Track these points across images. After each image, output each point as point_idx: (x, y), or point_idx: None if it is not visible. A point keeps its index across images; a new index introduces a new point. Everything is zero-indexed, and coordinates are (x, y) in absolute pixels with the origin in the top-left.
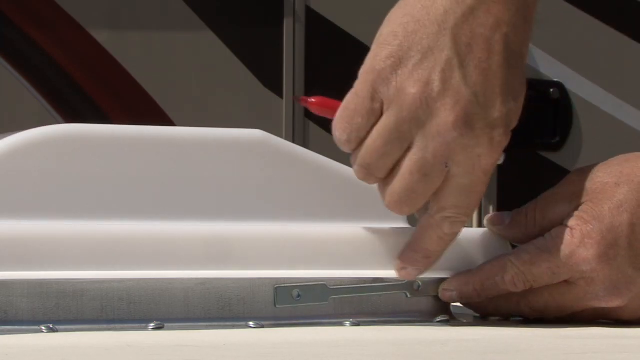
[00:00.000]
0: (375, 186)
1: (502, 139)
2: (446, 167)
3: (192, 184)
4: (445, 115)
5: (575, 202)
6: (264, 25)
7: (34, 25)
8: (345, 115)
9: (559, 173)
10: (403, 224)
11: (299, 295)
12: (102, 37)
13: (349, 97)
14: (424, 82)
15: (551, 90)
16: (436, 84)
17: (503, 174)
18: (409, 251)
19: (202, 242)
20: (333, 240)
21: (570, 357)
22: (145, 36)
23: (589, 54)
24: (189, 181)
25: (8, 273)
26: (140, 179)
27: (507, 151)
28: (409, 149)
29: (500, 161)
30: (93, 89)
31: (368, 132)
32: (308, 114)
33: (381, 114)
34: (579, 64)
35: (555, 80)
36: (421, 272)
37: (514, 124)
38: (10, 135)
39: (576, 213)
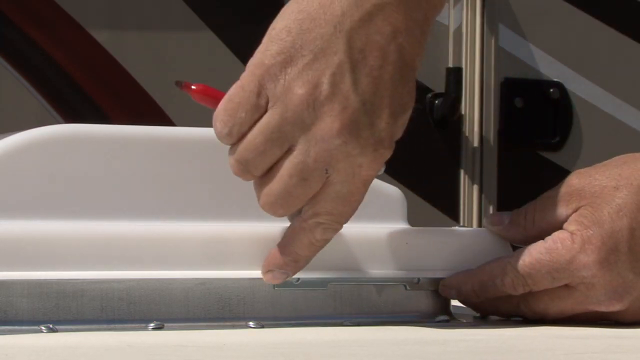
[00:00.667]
0: (373, 186)
1: (385, 151)
2: (326, 173)
3: (192, 184)
4: (330, 121)
5: (574, 205)
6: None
7: (34, 25)
8: (229, 107)
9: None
10: (403, 224)
11: (298, 280)
12: (102, 37)
13: (234, 89)
14: (313, 84)
15: (551, 90)
16: (325, 87)
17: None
18: (277, 254)
19: (202, 242)
20: (333, 240)
21: (570, 357)
22: (145, 36)
23: (589, 54)
24: (189, 181)
25: (8, 273)
26: (140, 179)
27: (388, 163)
28: (289, 150)
29: (381, 172)
30: (93, 89)
31: (250, 128)
32: None
33: (265, 111)
34: (579, 64)
35: (555, 80)
36: (288, 277)
37: (399, 136)
38: (10, 135)
39: (576, 217)
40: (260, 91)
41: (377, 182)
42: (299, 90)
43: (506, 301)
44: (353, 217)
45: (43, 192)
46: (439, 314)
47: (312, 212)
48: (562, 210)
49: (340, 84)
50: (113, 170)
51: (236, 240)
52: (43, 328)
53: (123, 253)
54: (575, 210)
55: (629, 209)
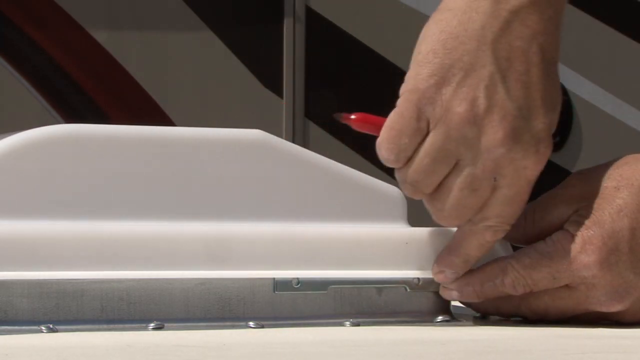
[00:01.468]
0: (373, 186)
1: (546, 150)
2: (494, 181)
3: (192, 184)
4: (493, 132)
5: (574, 205)
6: (264, 25)
7: (34, 25)
8: (391, 135)
9: (559, 173)
10: (403, 224)
11: (298, 282)
12: (102, 37)
13: (394, 117)
14: (470, 100)
15: None
16: (482, 101)
17: None
18: (448, 255)
19: (202, 242)
20: (333, 240)
21: (570, 357)
22: (145, 36)
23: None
24: (188, 181)
25: (8, 273)
26: (140, 179)
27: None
28: (456, 165)
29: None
30: (93, 89)
31: (414, 151)
32: (308, 114)
33: (427, 133)
34: (579, 64)
35: None
36: (457, 276)
37: (554, 130)
38: (10, 135)
39: (576, 218)
40: (420, 116)
41: (377, 182)
42: (458, 108)
43: (506, 301)
44: (353, 217)
45: (43, 192)
46: (439, 314)
47: (482, 217)
48: (562, 211)
49: (494, 95)
50: (113, 170)
51: (236, 240)
52: (43, 328)
53: (123, 253)
54: (576, 211)
55: (630, 210)
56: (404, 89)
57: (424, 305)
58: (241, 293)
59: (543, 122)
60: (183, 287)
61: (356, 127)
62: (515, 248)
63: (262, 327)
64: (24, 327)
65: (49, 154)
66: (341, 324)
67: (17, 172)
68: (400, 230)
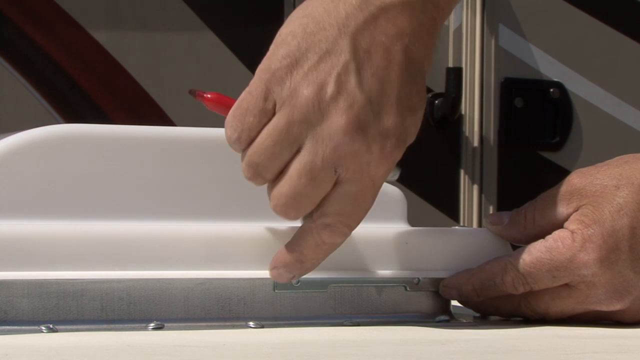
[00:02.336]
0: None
1: (393, 150)
2: (335, 172)
3: (192, 184)
4: (337, 119)
5: (575, 204)
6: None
7: (34, 25)
8: (238, 113)
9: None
10: (403, 224)
11: (298, 282)
12: (102, 37)
13: (243, 95)
14: (319, 85)
15: (551, 90)
16: (331, 87)
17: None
18: (284, 252)
19: (202, 242)
20: None
21: (570, 357)
22: (145, 36)
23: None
24: (188, 181)
25: (8, 273)
26: (140, 179)
27: (402, 166)
28: (298, 151)
29: (395, 177)
30: (93, 89)
31: (259, 132)
32: None
33: (273, 115)
34: (579, 64)
35: (555, 80)
36: (294, 278)
37: (411, 138)
38: (10, 135)
39: (576, 216)
40: (267, 95)
41: None
42: (305, 91)
43: (506, 301)
44: None
45: (43, 192)
46: (439, 314)
47: (321, 212)
48: (562, 209)
49: (346, 84)
50: (113, 170)
51: (236, 240)
52: (43, 328)
53: (123, 253)
54: (576, 210)
55: (630, 208)
56: (258, 69)
57: (424, 305)
58: (241, 293)
59: (394, 121)
60: (183, 287)
61: (210, 107)
62: (515, 248)
63: (262, 327)
64: (24, 327)
65: (49, 154)
66: (341, 324)
67: (17, 172)
68: (400, 230)
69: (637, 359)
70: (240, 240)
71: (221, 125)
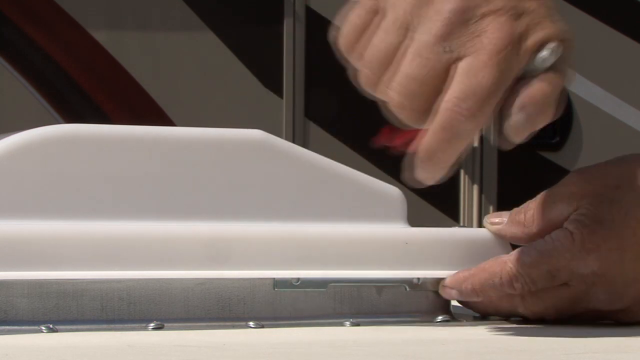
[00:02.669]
0: (373, 186)
1: (509, 21)
2: (445, 51)
3: (192, 184)
4: (446, 0)
5: (574, 203)
6: (264, 25)
7: (34, 25)
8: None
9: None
10: (403, 224)
11: (298, 280)
12: (102, 37)
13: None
14: None
15: None
16: None
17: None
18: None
19: (202, 242)
20: (333, 240)
21: (570, 357)
22: (145, 36)
23: (589, 54)
24: (188, 181)
25: (8, 273)
26: (140, 179)
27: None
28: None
29: (548, 56)
30: (93, 89)
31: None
32: (308, 114)
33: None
34: (579, 64)
35: None
36: (430, 178)
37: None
38: (10, 135)
39: (576, 216)
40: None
41: (377, 182)
42: None
43: (506, 301)
44: (353, 217)
45: (43, 192)
46: (439, 314)
47: (440, 98)
48: (562, 209)
49: None
50: (113, 170)
51: (236, 240)
52: (43, 328)
53: (123, 253)
54: (576, 209)
55: (630, 208)
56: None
57: (424, 305)
58: (241, 293)
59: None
60: (183, 287)
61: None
62: (514, 247)
63: (262, 327)
64: (24, 327)
65: (49, 154)
66: (341, 324)
67: (17, 172)
68: (400, 230)
69: (637, 359)
70: (240, 240)
71: (222, 125)
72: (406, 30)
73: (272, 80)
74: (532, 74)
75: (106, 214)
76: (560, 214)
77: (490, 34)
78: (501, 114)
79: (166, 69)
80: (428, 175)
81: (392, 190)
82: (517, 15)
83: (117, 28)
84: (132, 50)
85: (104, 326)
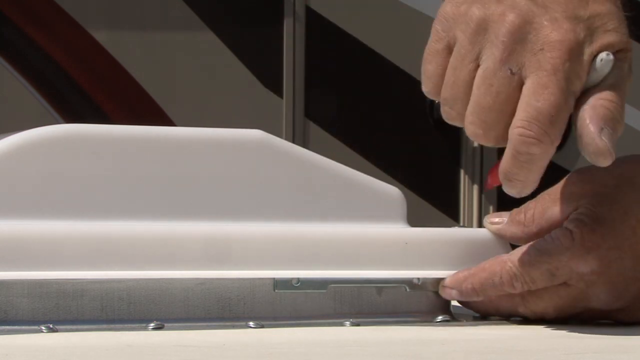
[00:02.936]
0: (373, 186)
1: (568, 32)
2: (511, 72)
3: (192, 184)
4: (501, 22)
5: (574, 203)
6: (264, 25)
7: (34, 25)
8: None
9: (559, 173)
10: (403, 224)
11: (298, 281)
12: (102, 37)
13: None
14: (485, 2)
15: None
16: (494, 1)
17: None
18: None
19: (202, 242)
20: (333, 240)
21: (570, 357)
22: (145, 36)
23: None
24: (188, 181)
25: (8, 273)
26: (140, 179)
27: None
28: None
29: (607, 60)
30: (93, 88)
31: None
32: (308, 114)
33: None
34: None
35: None
36: (518, 192)
37: (603, 25)
38: (10, 135)
39: (576, 216)
40: (441, 37)
41: (377, 182)
42: (474, 11)
43: (506, 300)
44: (353, 217)
45: (43, 192)
46: (439, 314)
47: (512, 121)
48: (562, 209)
49: None
50: (113, 170)
51: (236, 240)
52: (43, 328)
53: (123, 253)
54: (576, 209)
55: (630, 207)
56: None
57: (424, 305)
58: (241, 293)
59: (564, 10)
60: (183, 287)
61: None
62: (514, 247)
63: (262, 327)
64: (24, 327)
65: (49, 154)
66: (341, 324)
67: (17, 172)
68: (400, 230)
69: (637, 359)
70: (240, 240)
71: (222, 125)
72: (474, 61)
73: (272, 80)
74: (593, 87)
75: (106, 214)
76: (560, 214)
77: (548, 49)
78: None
79: (166, 69)
80: (515, 192)
81: (392, 190)
82: (577, 22)
83: (117, 28)
84: (132, 50)
85: (104, 326)
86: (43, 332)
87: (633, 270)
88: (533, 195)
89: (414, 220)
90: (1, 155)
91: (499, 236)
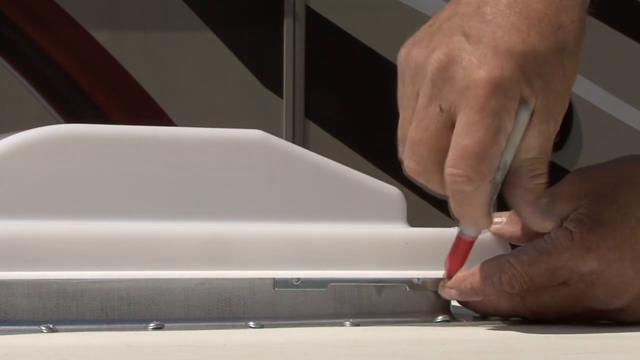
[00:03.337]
0: (373, 186)
1: (494, 75)
2: (440, 109)
3: (192, 184)
4: (431, 57)
5: (574, 203)
6: (264, 25)
7: (34, 25)
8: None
9: (559, 173)
10: (403, 224)
11: (298, 280)
12: (102, 37)
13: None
14: (430, 48)
15: None
16: (435, 38)
17: None
18: None
19: (202, 242)
20: (333, 240)
21: (570, 357)
22: (145, 36)
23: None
24: (188, 181)
25: (8, 273)
26: (140, 179)
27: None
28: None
29: (523, 117)
30: (93, 89)
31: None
32: (308, 114)
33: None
34: (580, 64)
35: None
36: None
37: (538, 67)
38: (10, 135)
39: (576, 215)
40: (407, 84)
41: (377, 182)
42: (416, 53)
43: (506, 300)
44: (353, 217)
45: (43, 192)
46: (439, 314)
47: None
48: (561, 208)
49: (450, 32)
50: (113, 170)
51: (236, 240)
52: (43, 328)
53: (123, 253)
54: (576, 209)
55: (630, 207)
56: None
57: (424, 305)
58: (241, 293)
59: (493, 48)
60: (183, 287)
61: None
62: (514, 247)
63: (262, 327)
64: (24, 327)
65: (49, 154)
66: (341, 324)
67: (17, 172)
68: (400, 230)
69: (637, 359)
70: (240, 240)
71: (222, 125)
72: (414, 101)
73: (272, 80)
74: (520, 154)
75: (106, 214)
76: (560, 214)
77: (474, 87)
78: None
79: (166, 69)
80: (472, 234)
81: (392, 190)
82: (509, 57)
83: (117, 28)
84: (132, 50)
85: (104, 326)
86: (43, 332)
87: (632, 270)
88: None
89: (414, 220)
90: (1, 155)
91: (499, 236)
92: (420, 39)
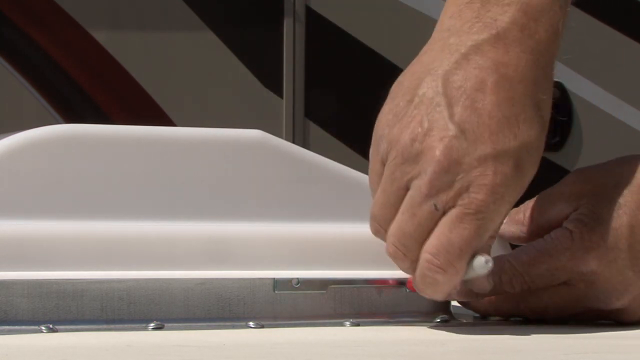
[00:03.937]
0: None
1: (496, 175)
2: (435, 208)
3: (192, 184)
4: (430, 153)
5: (574, 203)
6: (264, 25)
7: (34, 25)
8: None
9: (559, 173)
10: None
11: (298, 282)
12: (102, 37)
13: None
14: (414, 126)
15: None
16: (423, 126)
17: None
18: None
19: (202, 242)
20: (333, 240)
21: (570, 357)
22: (145, 36)
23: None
24: (188, 181)
25: (8, 273)
26: (140, 179)
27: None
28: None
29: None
30: (93, 89)
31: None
32: (308, 114)
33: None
34: (579, 64)
35: (555, 80)
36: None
37: (530, 158)
38: (10, 135)
39: (575, 215)
40: (378, 158)
41: None
42: (404, 135)
43: (506, 300)
44: (353, 217)
45: (43, 192)
46: (439, 314)
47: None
48: (561, 208)
49: (438, 120)
50: (113, 170)
51: (236, 240)
52: (43, 328)
53: (123, 253)
54: (575, 209)
55: (629, 207)
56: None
57: (424, 305)
58: (241, 293)
59: (493, 148)
60: (183, 287)
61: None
62: (514, 247)
63: (262, 327)
64: (24, 327)
65: (49, 154)
66: (341, 324)
67: (17, 172)
68: None
69: (637, 359)
70: (240, 240)
71: (222, 125)
72: (403, 187)
73: (272, 80)
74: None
75: (106, 214)
76: (560, 214)
77: (474, 191)
78: None
79: (166, 69)
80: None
81: None
82: (505, 159)
83: (117, 28)
84: (132, 50)
85: (104, 326)
86: (43, 332)
87: (633, 270)
88: (533, 195)
89: None
90: (1, 155)
91: (499, 236)
92: (400, 114)
